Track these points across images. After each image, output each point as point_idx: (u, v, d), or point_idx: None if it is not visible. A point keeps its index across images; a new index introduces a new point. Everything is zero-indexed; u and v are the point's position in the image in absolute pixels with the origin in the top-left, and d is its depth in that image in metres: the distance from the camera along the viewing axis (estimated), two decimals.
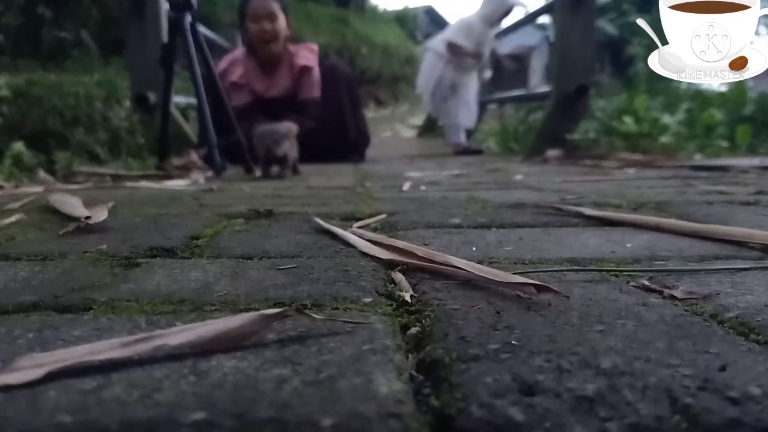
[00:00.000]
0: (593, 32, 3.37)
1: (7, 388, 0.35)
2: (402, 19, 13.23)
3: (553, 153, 3.01)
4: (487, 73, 4.39)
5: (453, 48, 4.01)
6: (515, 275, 0.57)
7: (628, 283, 0.61)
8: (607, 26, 7.61)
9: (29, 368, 0.36)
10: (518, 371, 0.37)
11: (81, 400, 0.34)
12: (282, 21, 3.09)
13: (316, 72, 3.15)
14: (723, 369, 0.37)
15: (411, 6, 14.93)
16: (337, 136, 3.13)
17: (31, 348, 0.42)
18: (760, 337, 0.44)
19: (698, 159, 2.59)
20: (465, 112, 4.21)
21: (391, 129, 8.07)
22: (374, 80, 9.33)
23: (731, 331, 0.46)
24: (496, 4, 3.98)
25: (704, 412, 0.32)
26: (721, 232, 0.81)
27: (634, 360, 0.39)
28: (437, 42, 4.25)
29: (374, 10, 12.97)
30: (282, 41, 3.11)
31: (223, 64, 3.14)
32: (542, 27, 9.77)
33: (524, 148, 3.46)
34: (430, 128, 6.55)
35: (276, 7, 3.08)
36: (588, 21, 3.26)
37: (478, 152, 3.95)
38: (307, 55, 3.18)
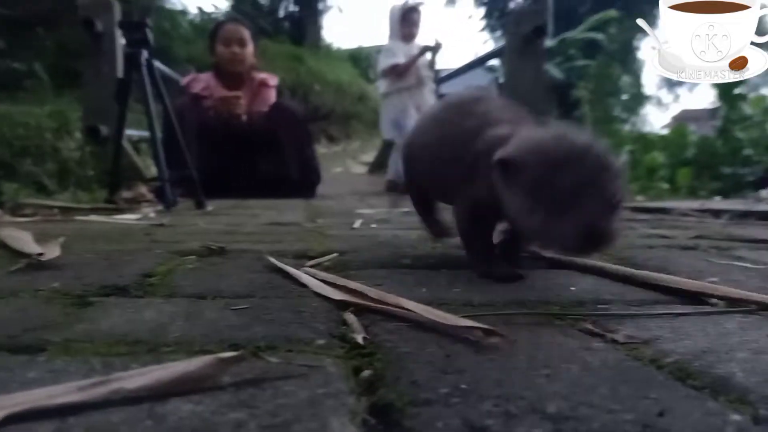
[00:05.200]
0: (543, 76, 3.50)
1: None
2: (355, 58, 13.44)
3: None
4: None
5: (393, 70, 4.01)
6: (464, 319, 0.58)
7: (572, 326, 0.63)
8: (554, 70, 7.90)
9: None
10: (468, 416, 0.38)
11: None
12: (251, 48, 3.27)
13: (273, 90, 3.31)
14: (661, 414, 0.39)
15: (364, 45, 15.15)
16: (288, 172, 3.15)
17: None
18: (697, 382, 0.46)
19: (640, 200, 2.70)
20: None
21: (343, 165, 8.11)
22: (327, 117, 9.41)
23: (670, 376, 0.48)
24: (390, 15, 4.06)
25: None
26: (656, 278, 0.84)
27: (579, 405, 0.40)
28: (381, 83, 4.28)
29: (328, 48, 13.17)
30: (248, 66, 3.26)
31: (187, 78, 3.30)
32: (492, 69, 10.07)
33: None
34: (381, 165, 6.61)
35: (247, 34, 3.27)
36: (538, 65, 3.38)
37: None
38: (268, 75, 3.36)
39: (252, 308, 0.68)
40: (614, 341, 0.57)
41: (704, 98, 18.90)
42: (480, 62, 5.24)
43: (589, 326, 0.62)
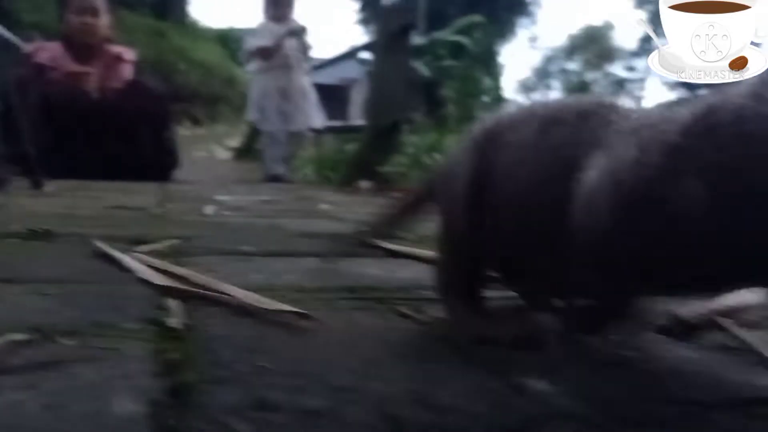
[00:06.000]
0: (407, 72, 3.59)
1: None
2: (224, 38, 13.04)
3: (365, 184, 3.14)
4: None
5: (259, 52, 3.88)
6: (280, 303, 0.60)
7: (390, 310, 0.67)
8: (423, 68, 8.15)
9: None
10: (258, 391, 0.40)
11: None
12: (105, 19, 3.08)
13: (128, 65, 3.13)
14: (434, 384, 0.43)
15: (236, 27, 14.73)
16: (142, 153, 3.01)
17: None
18: (473, 357, 0.51)
19: None
20: (316, 112, 4.18)
21: (206, 149, 7.87)
22: (191, 98, 9.08)
23: (452, 351, 0.53)
24: None
25: (408, 420, 0.38)
26: None
27: (364, 378, 0.44)
28: (251, 64, 4.16)
29: (195, 25, 12.66)
30: (101, 38, 3.07)
31: (31, 46, 3.07)
32: (364, 62, 10.19)
33: (339, 178, 3.57)
34: (247, 151, 6.49)
35: (101, 3, 3.07)
36: (403, 61, 3.47)
37: (288, 181, 3.95)
38: (124, 49, 3.19)
39: (64, 294, 0.66)
40: (419, 321, 0.62)
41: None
42: (353, 54, 5.31)
43: (404, 309, 0.67)
